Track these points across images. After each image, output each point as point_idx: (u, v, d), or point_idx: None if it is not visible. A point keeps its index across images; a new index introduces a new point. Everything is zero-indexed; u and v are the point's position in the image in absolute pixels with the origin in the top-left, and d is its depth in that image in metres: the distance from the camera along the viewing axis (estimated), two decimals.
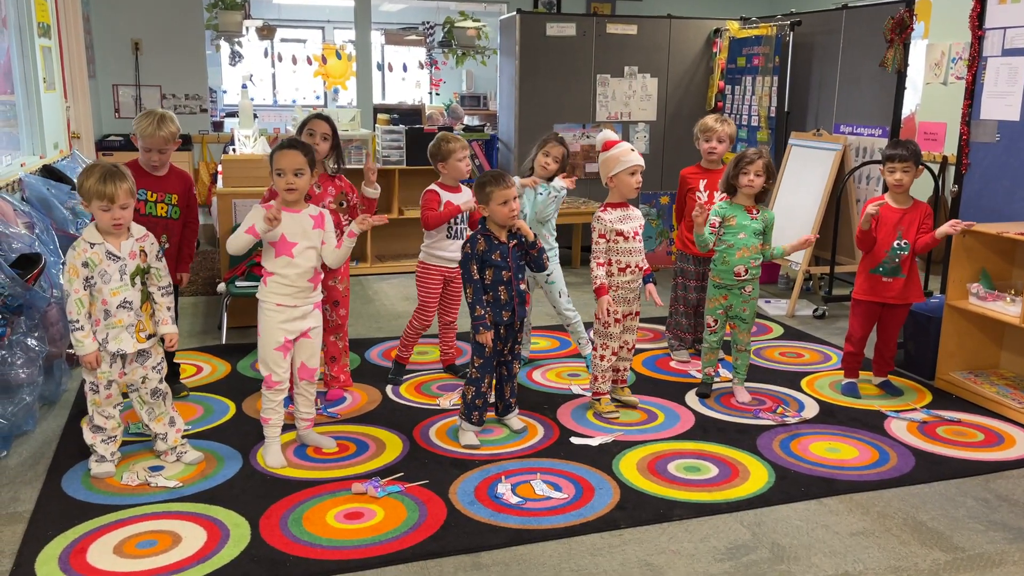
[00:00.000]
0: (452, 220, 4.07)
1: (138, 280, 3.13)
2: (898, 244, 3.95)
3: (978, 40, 4.34)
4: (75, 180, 3.49)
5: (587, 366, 4.31)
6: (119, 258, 3.07)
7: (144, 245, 3.16)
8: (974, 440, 3.63)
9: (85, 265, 3.01)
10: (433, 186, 4.10)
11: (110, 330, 3.08)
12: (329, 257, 3.34)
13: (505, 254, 3.42)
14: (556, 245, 4.34)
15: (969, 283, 4.09)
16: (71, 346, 4.04)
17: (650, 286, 3.80)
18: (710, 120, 4.40)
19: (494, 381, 3.61)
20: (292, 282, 3.23)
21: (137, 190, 3.15)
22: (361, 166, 6.68)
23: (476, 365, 3.47)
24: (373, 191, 3.92)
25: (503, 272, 3.41)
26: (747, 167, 3.82)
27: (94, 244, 3.04)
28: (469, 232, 4.03)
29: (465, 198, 4.08)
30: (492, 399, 3.62)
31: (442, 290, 4.18)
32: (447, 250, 4.09)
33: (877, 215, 3.94)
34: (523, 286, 3.48)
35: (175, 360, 4.06)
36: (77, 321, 3.02)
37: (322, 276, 3.37)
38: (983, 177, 4.37)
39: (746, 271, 3.88)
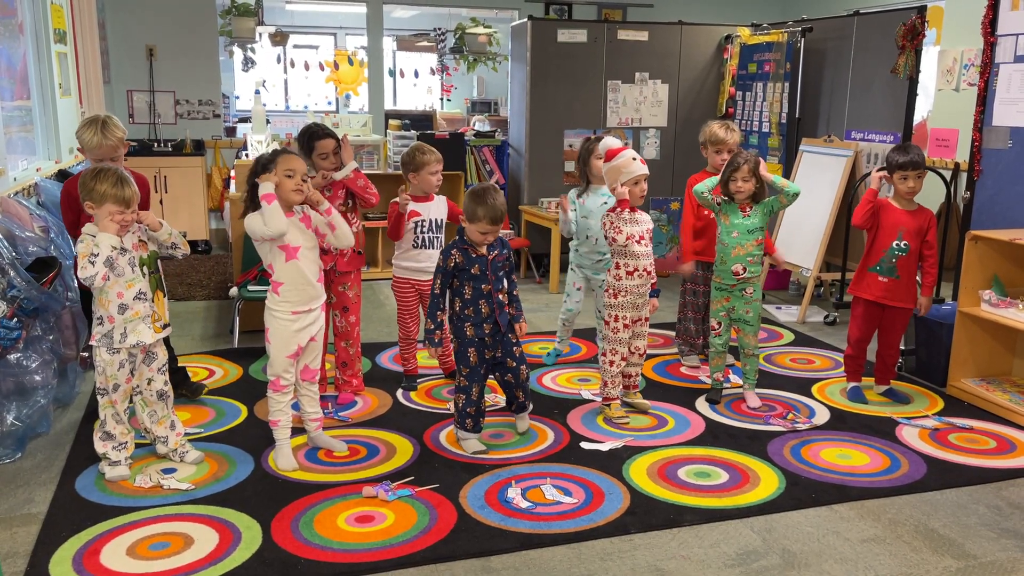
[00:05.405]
0: (418, 228, 4.02)
1: (146, 269, 3.16)
2: (897, 245, 3.95)
3: (990, 46, 4.33)
4: None
5: None
6: (126, 250, 3.09)
7: (140, 234, 3.19)
8: (986, 447, 3.61)
9: (93, 255, 3.00)
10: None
11: (128, 324, 3.10)
12: (335, 240, 3.36)
13: (484, 266, 3.38)
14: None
15: (981, 290, 4.08)
16: (85, 349, 4.09)
17: (653, 300, 3.83)
18: (719, 131, 4.33)
19: (497, 384, 3.63)
20: (303, 285, 3.24)
21: None
22: (373, 171, 6.76)
23: (464, 374, 3.46)
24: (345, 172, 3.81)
25: (483, 285, 3.37)
26: (734, 175, 3.88)
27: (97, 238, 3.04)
28: (434, 238, 4.06)
29: (437, 210, 4.06)
30: (485, 406, 3.58)
31: (420, 303, 4.15)
32: (416, 260, 4.05)
33: (879, 187, 3.99)
34: (502, 296, 3.41)
35: (179, 364, 4.07)
36: (81, 264, 2.96)
37: (322, 271, 3.37)
38: (995, 183, 4.36)
39: (744, 269, 3.90)
